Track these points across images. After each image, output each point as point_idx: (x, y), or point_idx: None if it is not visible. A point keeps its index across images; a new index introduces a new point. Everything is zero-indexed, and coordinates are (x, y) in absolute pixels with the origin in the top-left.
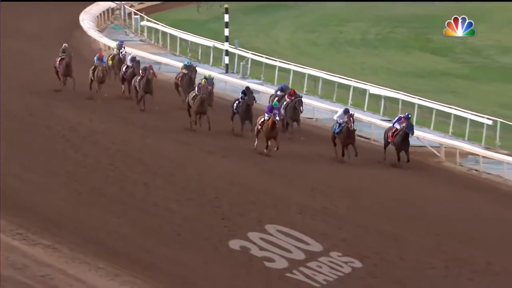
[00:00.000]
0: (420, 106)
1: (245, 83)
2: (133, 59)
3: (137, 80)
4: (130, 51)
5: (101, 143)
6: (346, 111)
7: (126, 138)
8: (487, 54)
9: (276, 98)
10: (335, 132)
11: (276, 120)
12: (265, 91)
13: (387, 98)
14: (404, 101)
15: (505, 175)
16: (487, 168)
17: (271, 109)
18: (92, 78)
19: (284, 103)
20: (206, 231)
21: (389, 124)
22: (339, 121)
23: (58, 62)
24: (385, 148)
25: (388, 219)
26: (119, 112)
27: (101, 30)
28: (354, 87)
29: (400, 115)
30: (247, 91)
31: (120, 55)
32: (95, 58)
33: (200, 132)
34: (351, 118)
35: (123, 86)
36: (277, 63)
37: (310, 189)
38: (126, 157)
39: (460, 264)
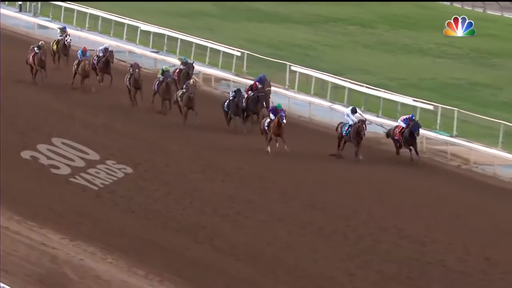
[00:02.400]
0: (183, 40)
1: (37, 20)
2: (106, 50)
3: (127, 79)
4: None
5: None
6: (354, 111)
7: None
8: None
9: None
10: (344, 134)
11: (283, 121)
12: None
13: (156, 34)
14: (169, 36)
15: None
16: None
17: (275, 110)
18: (76, 71)
19: (246, 96)
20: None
21: None
22: (349, 122)
23: (31, 57)
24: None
25: (155, 130)
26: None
27: None
28: (129, 25)
29: (406, 116)
30: (237, 92)
31: (65, 41)
32: (79, 52)
33: None
34: (364, 125)
35: (98, 76)
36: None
37: (92, 108)
38: None
39: (215, 169)
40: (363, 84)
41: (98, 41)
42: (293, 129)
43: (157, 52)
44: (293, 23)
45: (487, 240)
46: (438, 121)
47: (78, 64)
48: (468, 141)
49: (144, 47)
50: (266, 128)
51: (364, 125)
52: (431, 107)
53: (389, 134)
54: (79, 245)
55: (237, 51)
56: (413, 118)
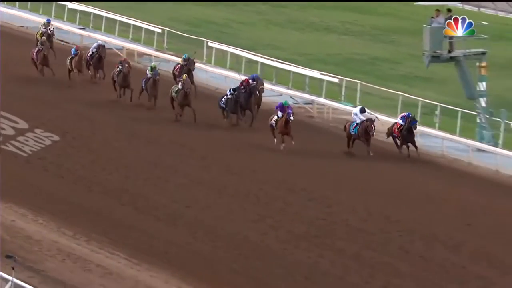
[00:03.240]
0: (108, 18)
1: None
2: (99, 46)
3: (115, 74)
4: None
5: None
6: (362, 110)
7: None
8: None
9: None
10: (352, 132)
11: (290, 119)
12: None
13: (82, 12)
14: (95, 14)
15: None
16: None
17: (282, 108)
18: (70, 68)
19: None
20: None
21: None
22: (356, 120)
23: (35, 53)
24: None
25: (85, 105)
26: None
27: None
28: (56, 3)
29: (403, 114)
30: (235, 89)
31: (49, 31)
32: (73, 50)
33: None
34: (373, 125)
35: (89, 71)
36: None
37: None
38: None
39: (138, 137)
40: (274, 59)
41: (28, 18)
42: (210, 100)
43: (83, 29)
44: (210, 3)
45: (387, 202)
46: (343, 93)
47: (71, 60)
48: (370, 111)
49: (71, 24)
50: (274, 125)
51: (372, 124)
52: (336, 80)
53: (390, 133)
54: (11, 207)
55: (158, 28)
56: (410, 115)
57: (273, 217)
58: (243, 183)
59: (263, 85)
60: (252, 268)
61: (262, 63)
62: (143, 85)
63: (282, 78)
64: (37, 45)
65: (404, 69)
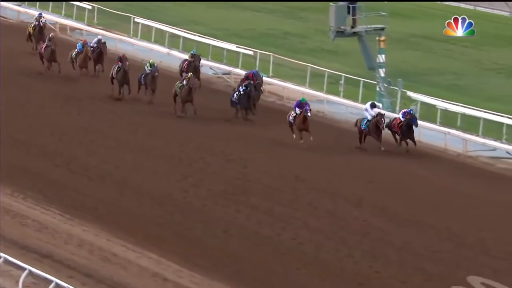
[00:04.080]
0: None
1: None
2: (99, 41)
3: (115, 71)
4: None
5: None
6: (373, 105)
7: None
8: None
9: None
10: (363, 128)
11: (308, 115)
12: None
13: None
14: None
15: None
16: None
17: (300, 104)
18: (74, 62)
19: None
20: None
21: None
22: (367, 117)
23: (43, 49)
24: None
25: (22, 75)
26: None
27: None
28: None
29: (404, 110)
30: (248, 85)
31: (41, 23)
32: (79, 44)
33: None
34: (383, 119)
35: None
36: None
37: None
38: None
39: (71, 104)
40: (195, 34)
41: None
42: (135, 72)
43: (19, 5)
44: None
45: (297, 163)
46: (257, 64)
47: (77, 55)
48: (282, 81)
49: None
50: (292, 121)
51: (383, 119)
52: (251, 53)
53: (388, 126)
54: None
55: (89, 4)
56: (411, 112)
57: (194, 177)
58: (167, 146)
59: (262, 81)
60: (175, 223)
61: (184, 37)
62: (141, 80)
63: (203, 50)
64: (30, 38)
65: (312, 43)
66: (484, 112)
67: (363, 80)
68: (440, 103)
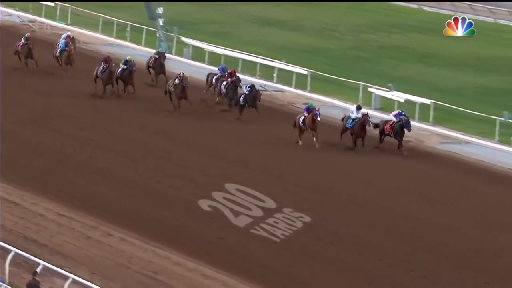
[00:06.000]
0: None
1: None
2: (68, 36)
3: (100, 71)
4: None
5: None
6: (358, 108)
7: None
8: None
9: (215, 77)
10: (348, 126)
11: (317, 119)
12: None
13: None
14: None
15: None
16: None
17: (309, 109)
18: (59, 60)
19: (224, 83)
20: None
21: None
22: (352, 116)
23: (20, 47)
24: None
25: None
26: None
27: None
28: None
29: (396, 112)
30: (252, 86)
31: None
32: (63, 42)
33: None
34: (367, 117)
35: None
36: None
37: None
38: None
39: None
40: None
41: None
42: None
43: None
44: None
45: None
46: (57, 14)
47: (61, 53)
48: (80, 28)
49: None
50: (301, 124)
51: (367, 117)
52: (52, 4)
53: (378, 126)
54: None
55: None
56: (403, 113)
57: None
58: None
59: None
60: None
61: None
62: (119, 74)
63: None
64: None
65: None
66: (242, 53)
67: (146, 28)
68: (207, 46)
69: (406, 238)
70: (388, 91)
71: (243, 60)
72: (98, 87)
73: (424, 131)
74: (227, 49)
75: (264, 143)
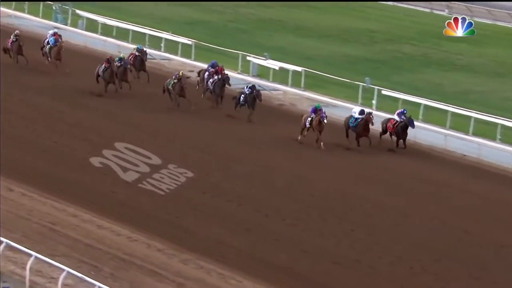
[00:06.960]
0: None
1: None
2: (55, 33)
3: (101, 70)
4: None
5: None
6: (362, 112)
7: None
8: None
9: (207, 73)
10: (351, 126)
11: (324, 122)
12: None
13: None
14: None
15: None
16: None
17: (315, 110)
18: (48, 56)
19: (211, 80)
20: None
21: None
22: (355, 116)
23: (10, 44)
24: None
25: None
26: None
27: None
28: None
29: (399, 111)
30: (252, 87)
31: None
32: (51, 38)
33: None
34: (371, 116)
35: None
36: None
37: None
38: None
39: None
40: None
41: None
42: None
43: None
44: None
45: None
46: None
47: (50, 49)
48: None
49: None
50: (308, 125)
51: (370, 115)
52: None
53: (383, 129)
54: None
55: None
56: (405, 112)
57: None
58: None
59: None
60: None
61: None
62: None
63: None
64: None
65: None
66: (133, 25)
67: (42, 2)
68: (100, 19)
69: (279, 191)
70: (264, 60)
71: (133, 31)
72: (99, 85)
73: (296, 96)
74: (118, 21)
75: (154, 110)
